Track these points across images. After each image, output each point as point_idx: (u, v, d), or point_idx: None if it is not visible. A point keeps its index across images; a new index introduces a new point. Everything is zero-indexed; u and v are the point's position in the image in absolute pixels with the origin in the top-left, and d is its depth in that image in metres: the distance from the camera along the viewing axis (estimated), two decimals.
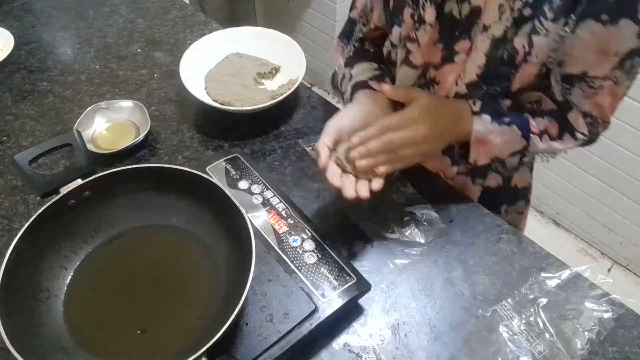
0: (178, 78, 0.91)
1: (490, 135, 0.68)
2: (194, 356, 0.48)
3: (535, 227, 0.94)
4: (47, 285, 0.60)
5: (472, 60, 0.66)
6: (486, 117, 0.68)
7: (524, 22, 0.60)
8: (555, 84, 0.68)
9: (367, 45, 0.84)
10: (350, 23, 0.83)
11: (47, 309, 0.58)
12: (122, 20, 1.17)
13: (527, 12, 0.59)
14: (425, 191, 0.80)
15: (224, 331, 0.50)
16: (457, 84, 0.70)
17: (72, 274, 0.62)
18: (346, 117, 0.69)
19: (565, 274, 0.71)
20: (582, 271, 0.71)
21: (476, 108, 0.68)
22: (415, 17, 0.67)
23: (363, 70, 0.79)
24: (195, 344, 0.50)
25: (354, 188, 0.63)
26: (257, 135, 0.90)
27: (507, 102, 0.70)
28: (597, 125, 0.69)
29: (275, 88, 0.94)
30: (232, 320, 0.50)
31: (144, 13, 1.20)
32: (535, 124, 0.69)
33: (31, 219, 0.58)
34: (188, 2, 1.38)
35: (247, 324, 0.59)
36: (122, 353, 0.57)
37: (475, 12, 0.62)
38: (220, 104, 0.90)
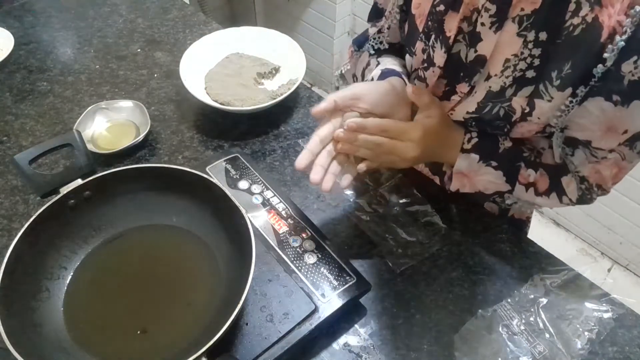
0: (178, 78, 0.91)
1: (472, 172, 0.67)
2: (194, 356, 0.48)
3: (535, 227, 0.94)
4: (47, 285, 0.60)
5: (464, 104, 0.65)
6: (474, 157, 0.66)
7: (525, 84, 0.58)
8: (555, 146, 0.66)
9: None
10: (365, 37, 0.82)
11: (47, 309, 0.58)
12: (122, 20, 1.17)
13: (530, 74, 0.58)
14: (425, 191, 0.80)
15: (224, 331, 0.50)
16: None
17: (72, 274, 0.62)
18: (378, 91, 0.65)
19: (565, 274, 0.71)
20: (582, 271, 0.71)
21: (468, 146, 0.67)
22: (425, 55, 0.65)
23: (393, 61, 0.77)
24: (195, 344, 0.50)
25: (321, 176, 0.62)
26: (257, 135, 0.90)
27: (507, 144, 0.67)
28: (592, 192, 0.66)
29: (275, 88, 0.94)
30: (232, 320, 0.50)
31: (144, 13, 1.20)
32: (526, 175, 0.66)
33: (31, 219, 0.58)
34: (188, 2, 1.38)
35: (247, 324, 0.59)
36: (122, 353, 0.57)
37: (480, 61, 0.60)
38: (220, 104, 0.90)
